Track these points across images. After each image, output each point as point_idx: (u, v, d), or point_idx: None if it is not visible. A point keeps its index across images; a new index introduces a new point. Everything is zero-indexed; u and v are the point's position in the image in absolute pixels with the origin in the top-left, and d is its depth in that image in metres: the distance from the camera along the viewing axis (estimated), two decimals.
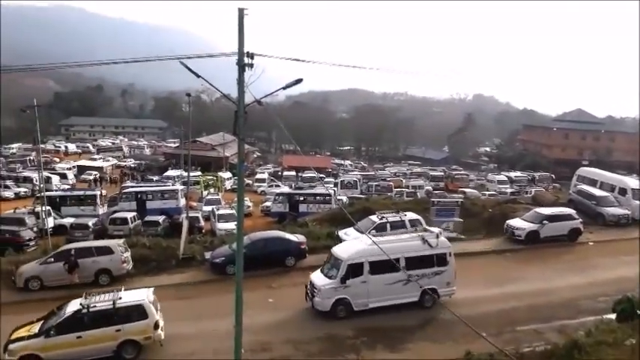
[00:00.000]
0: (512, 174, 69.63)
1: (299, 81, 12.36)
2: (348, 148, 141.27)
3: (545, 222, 27.58)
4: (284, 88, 12.70)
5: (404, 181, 62.27)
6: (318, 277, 19.18)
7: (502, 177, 65.89)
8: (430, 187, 59.64)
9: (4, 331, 16.59)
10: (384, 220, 25.97)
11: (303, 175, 63.31)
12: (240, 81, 11.68)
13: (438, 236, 19.70)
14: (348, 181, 53.41)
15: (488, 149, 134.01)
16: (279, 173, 71.83)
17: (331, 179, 60.60)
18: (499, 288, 21.30)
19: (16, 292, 21.67)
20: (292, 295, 20.37)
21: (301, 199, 39.68)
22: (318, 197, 39.65)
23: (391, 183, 55.01)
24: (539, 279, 22.41)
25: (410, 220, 26.27)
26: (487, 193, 55.02)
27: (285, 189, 49.02)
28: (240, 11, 11.45)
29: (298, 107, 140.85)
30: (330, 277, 18.64)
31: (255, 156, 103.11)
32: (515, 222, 28.73)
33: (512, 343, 16.17)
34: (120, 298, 15.60)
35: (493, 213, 32.65)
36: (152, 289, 17.19)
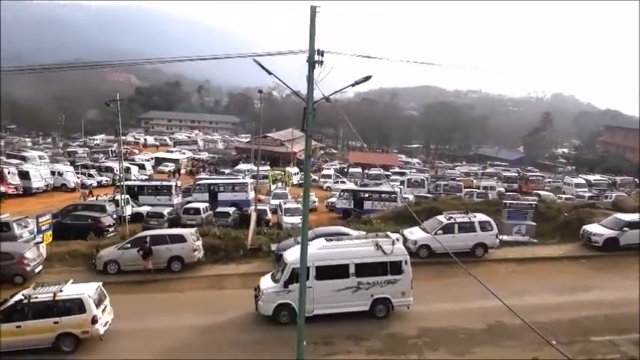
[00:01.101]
0: (592, 177, 65.79)
1: (368, 78, 12.28)
2: (417, 146, 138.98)
3: (625, 229, 25.86)
4: (353, 85, 12.68)
5: (475, 181, 60.51)
6: (265, 281, 18.56)
7: (580, 180, 62.45)
8: (502, 189, 57.59)
9: None
10: (452, 221, 25.36)
11: (369, 172, 63.07)
12: (310, 78, 11.82)
13: (394, 242, 18.37)
14: (415, 180, 52.62)
15: (566, 151, 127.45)
16: (345, 170, 71.97)
17: (397, 177, 59.97)
18: (572, 295, 20.31)
19: (96, 275, 23.00)
20: None
21: (366, 196, 39.65)
22: (383, 195, 39.44)
23: (461, 183, 53.54)
24: (616, 288, 21.09)
25: (479, 222, 25.46)
26: (563, 196, 52.40)
27: (351, 185, 49.07)
28: (313, 9, 11.56)
29: (367, 104, 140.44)
30: (276, 281, 18.01)
31: (322, 152, 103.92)
32: (593, 227, 27.18)
33: (585, 353, 15.40)
34: (61, 291, 15.86)
35: (569, 217, 31.07)
36: (100, 284, 17.27)
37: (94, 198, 38.88)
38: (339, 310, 17.70)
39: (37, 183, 45.77)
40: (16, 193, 43.35)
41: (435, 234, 24.04)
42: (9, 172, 44.01)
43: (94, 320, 15.79)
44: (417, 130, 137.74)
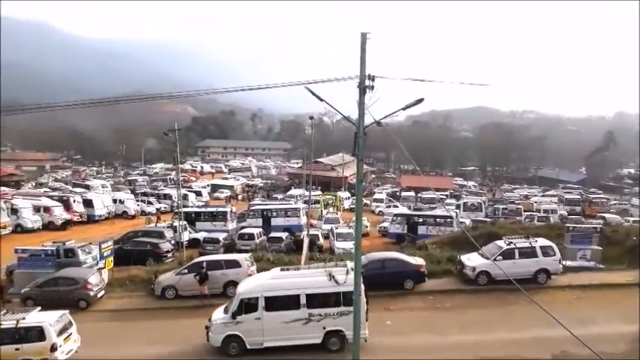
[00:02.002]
0: None
1: (420, 101, 12.18)
2: (472, 168, 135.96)
3: None
4: (404, 109, 12.56)
5: (535, 204, 58.39)
6: (217, 312, 18.12)
7: None
8: (565, 212, 55.20)
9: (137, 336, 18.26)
10: (512, 246, 24.40)
11: (423, 196, 62.11)
12: (361, 103, 11.88)
13: (348, 272, 17.30)
14: (471, 203, 51.32)
15: (632, 171, 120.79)
16: (398, 194, 71.24)
17: (453, 201, 58.71)
18: None
19: (154, 300, 23.67)
20: (410, 320, 19.97)
21: (420, 220, 38.92)
22: (438, 219, 38.62)
23: (520, 206, 51.74)
24: None
25: (541, 247, 24.35)
26: (631, 219, 49.48)
27: (404, 210, 48.37)
28: (363, 36, 11.72)
29: (418, 127, 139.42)
30: (227, 312, 17.59)
31: (373, 176, 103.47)
32: None
33: None
34: (24, 319, 16.28)
35: (638, 241, 29.23)
36: (66, 312, 17.52)
37: (154, 224, 40.14)
38: (290, 342, 16.98)
39: (99, 210, 48.06)
40: (80, 220, 45.69)
41: (495, 260, 23.21)
42: (74, 201, 46.53)
43: (53, 348, 16.07)
44: (471, 152, 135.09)
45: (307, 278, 17.57)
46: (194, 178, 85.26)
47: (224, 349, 17.13)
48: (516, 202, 57.21)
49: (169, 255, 31.17)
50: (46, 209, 43.35)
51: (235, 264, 24.07)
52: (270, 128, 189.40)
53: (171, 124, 39.17)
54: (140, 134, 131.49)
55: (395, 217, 39.89)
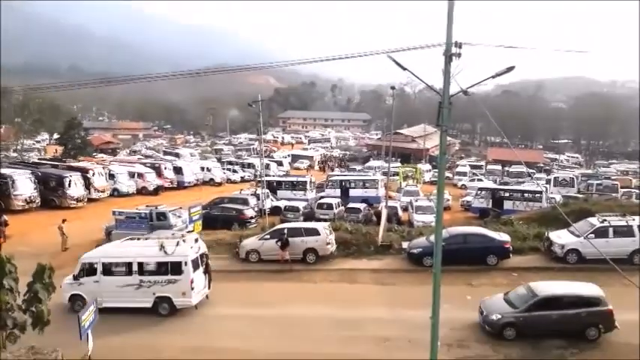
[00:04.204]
0: None
1: (510, 69, 11.56)
2: (565, 141, 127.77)
3: None
4: (493, 77, 11.98)
5: (634, 180, 54.10)
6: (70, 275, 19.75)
7: None
8: None
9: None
10: (606, 224, 22.87)
11: (510, 170, 59.50)
12: (447, 71, 11.46)
13: (178, 244, 18.71)
14: (562, 178, 48.50)
15: None
16: (483, 167, 68.71)
17: (543, 175, 55.81)
18: None
19: (239, 262, 24.74)
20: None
21: (506, 195, 37.42)
22: (526, 194, 36.96)
23: (617, 182, 48.12)
24: None
25: (639, 226, 22.69)
26: None
27: (489, 184, 46.68)
28: (450, 1, 11.26)
29: (508, 97, 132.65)
30: None
31: (457, 148, 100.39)
32: None
33: None
34: None
35: None
36: None
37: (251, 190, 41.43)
38: (125, 304, 18.52)
39: (188, 177, 50.76)
40: (170, 186, 48.52)
41: (586, 237, 21.87)
42: (165, 168, 49.41)
43: None
44: (565, 124, 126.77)
45: (142, 248, 19.47)
46: (275, 149, 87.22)
47: (71, 307, 18.78)
48: (612, 177, 53.31)
49: (253, 221, 32.28)
50: (140, 175, 46.29)
51: (315, 232, 24.51)
52: (349, 99, 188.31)
53: (255, 95, 40.04)
54: (225, 105, 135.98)
55: (479, 191, 38.61)
